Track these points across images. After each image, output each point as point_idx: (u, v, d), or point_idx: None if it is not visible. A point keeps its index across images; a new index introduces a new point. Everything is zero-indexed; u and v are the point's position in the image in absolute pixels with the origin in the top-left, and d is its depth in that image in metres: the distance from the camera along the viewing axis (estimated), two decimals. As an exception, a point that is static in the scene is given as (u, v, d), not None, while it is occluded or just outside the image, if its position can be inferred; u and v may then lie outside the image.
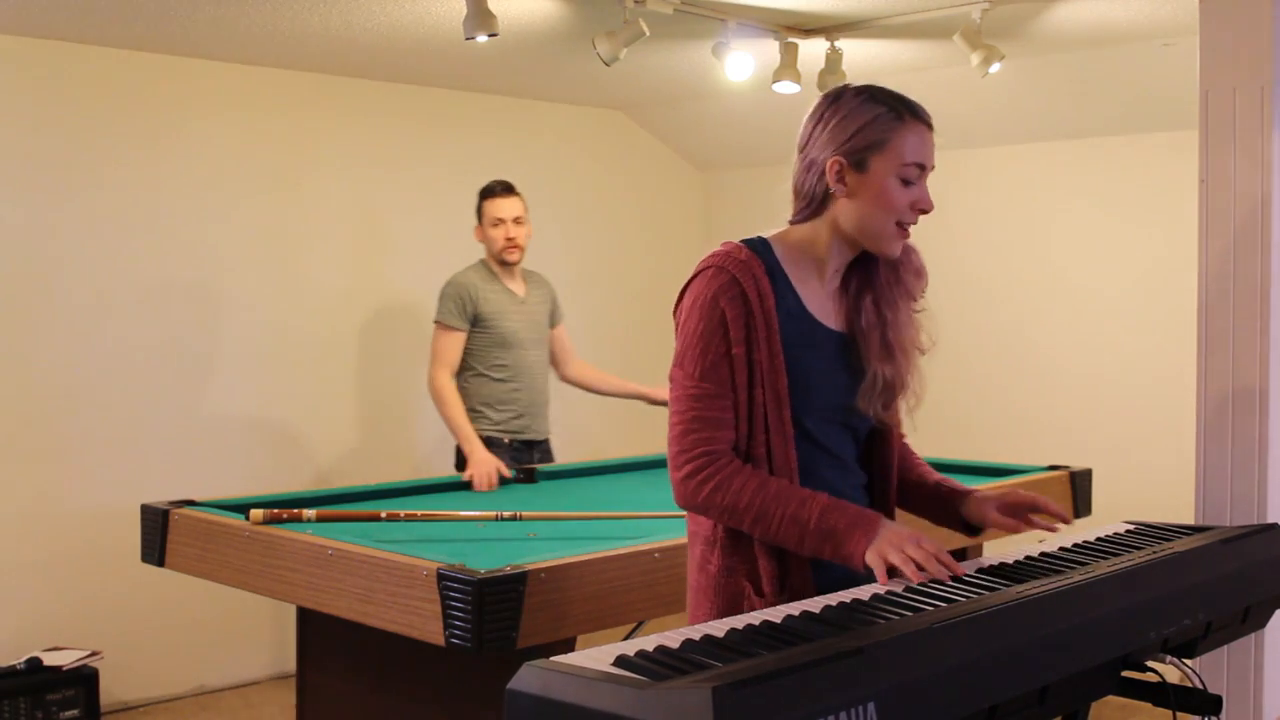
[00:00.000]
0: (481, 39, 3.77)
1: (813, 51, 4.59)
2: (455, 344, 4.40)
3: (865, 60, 4.84)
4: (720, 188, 6.61)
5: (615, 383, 4.70)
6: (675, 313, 2.10)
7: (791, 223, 2.11)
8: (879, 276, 2.12)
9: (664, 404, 4.13)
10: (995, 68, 4.22)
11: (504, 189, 4.47)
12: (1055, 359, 5.38)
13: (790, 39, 4.51)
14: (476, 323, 4.41)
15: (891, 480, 2.19)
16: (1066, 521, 2.17)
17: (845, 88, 2.08)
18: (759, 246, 2.07)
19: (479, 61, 5.02)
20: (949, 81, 5.01)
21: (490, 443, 4.34)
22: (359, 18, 4.27)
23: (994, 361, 5.53)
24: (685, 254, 6.39)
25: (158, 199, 4.86)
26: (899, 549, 1.90)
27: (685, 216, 6.60)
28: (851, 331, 2.10)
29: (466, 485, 4.05)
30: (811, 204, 2.07)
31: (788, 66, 4.52)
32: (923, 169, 2.04)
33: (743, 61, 4.45)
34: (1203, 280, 2.94)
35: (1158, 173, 5.03)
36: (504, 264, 4.45)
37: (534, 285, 4.59)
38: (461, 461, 4.32)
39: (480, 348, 4.42)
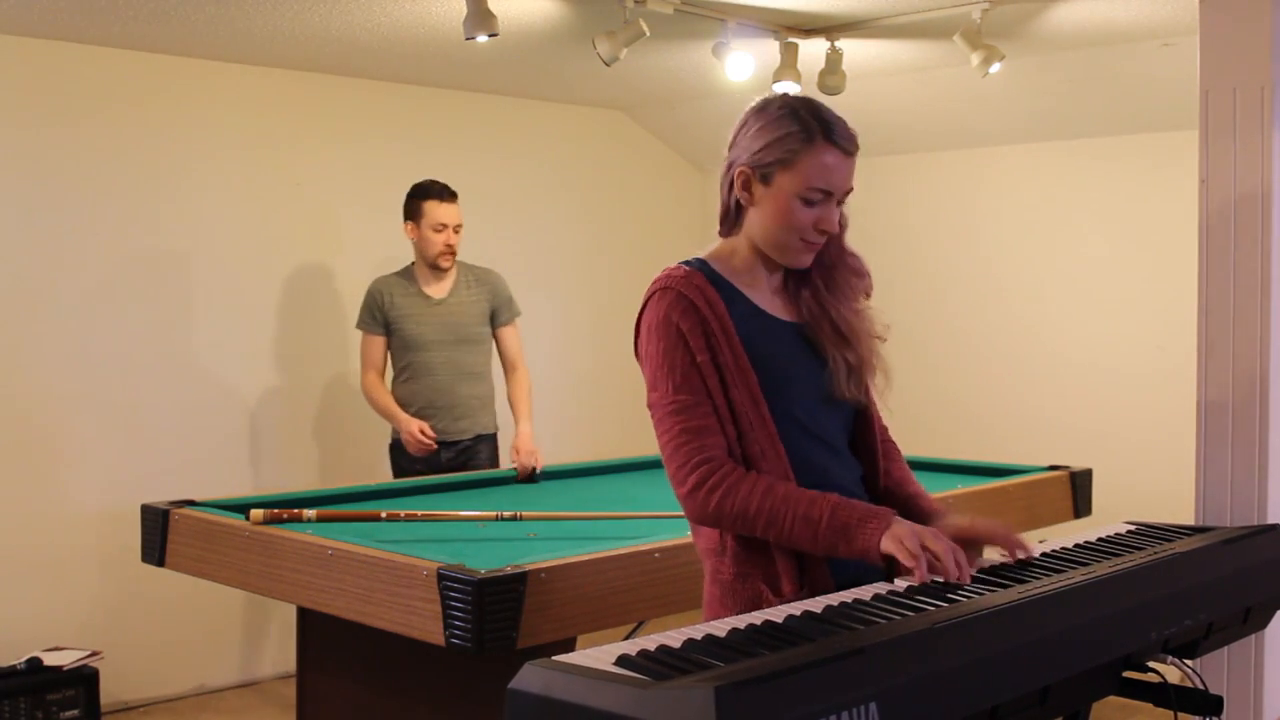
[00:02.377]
0: (481, 39, 3.77)
1: (813, 51, 4.59)
2: (373, 347, 4.50)
3: (865, 60, 4.84)
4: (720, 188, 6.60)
5: (517, 413, 4.53)
6: (636, 346, 2.12)
7: (720, 235, 2.16)
8: (813, 278, 2.15)
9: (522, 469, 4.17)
10: (995, 68, 4.22)
11: (449, 193, 4.44)
12: (1055, 359, 5.37)
13: (790, 39, 4.51)
14: (388, 327, 4.47)
15: (877, 464, 2.19)
16: (1027, 553, 2.07)
17: (774, 97, 2.11)
18: (695, 264, 2.12)
19: (479, 61, 5.02)
20: (949, 81, 5.00)
21: (395, 444, 4.52)
22: (359, 18, 4.27)
23: (993, 361, 5.53)
24: (685, 254, 6.37)
25: (158, 199, 4.85)
26: (917, 541, 1.89)
27: (685, 216, 6.59)
28: (800, 314, 2.14)
29: (466, 485, 4.06)
30: (729, 215, 2.13)
31: (788, 66, 4.52)
32: (827, 195, 2.05)
33: (743, 61, 4.45)
34: (1203, 280, 2.94)
35: (1158, 173, 5.03)
36: (435, 268, 4.44)
37: (469, 285, 4.52)
38: (396, 461, 4.50)
39: (393, 350, 4.51)
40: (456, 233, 4.44)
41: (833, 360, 2.10)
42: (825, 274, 2.14)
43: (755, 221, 2.09)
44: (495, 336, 4.58)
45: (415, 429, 4.33)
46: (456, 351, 4.48)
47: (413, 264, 4.53)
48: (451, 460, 4.46)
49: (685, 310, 2.02)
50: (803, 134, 2.02)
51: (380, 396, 4.47)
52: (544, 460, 4.34)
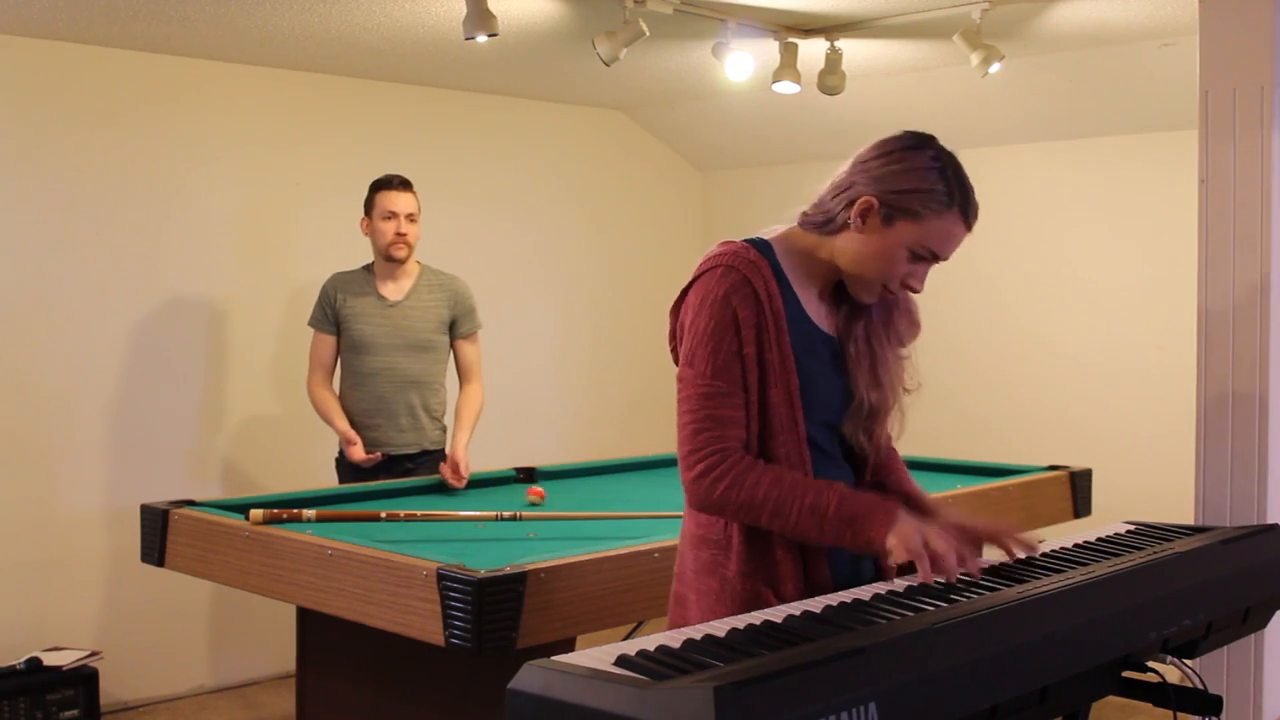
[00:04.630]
0: (481, 39, 3.77)
1: (813, 51, 4.59)
2: (322, 346, 4.29)
3: (865, 60, 4.84)
4: (720, 188, 6.61)
5: (459, 422, 4.27)
6: (677, 313, 2.08)
7: (800, 225, 2.10)
8: (872, 313, 2.12)
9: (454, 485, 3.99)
10: (995, 68, 4.21)
11: (401, 183, 4.26)
12: (1054, 359, 5.38)
13: (790, 39, 4.51)
14: (338, 326, 4.28)
15: (865, 479, 2.19)
16: (1028, 550, 2.09)
17: (933, 142, 2.04)
18: (763, 248, 2.06)
19: (479, 61, 5.02)
20: (949, 81, 5.00)
21: (341, 457, 4.28)
22: (359, 18, 4.27)
23: (993, 361, 5.53)
24: (685, 254, 6.40)
25: (158, 199, 4.85)
26: (920, 539, 1.89)
27: (685, 216, 6.60)
28: (842, 338, 2.11)
29: (466, 485, 4.04)
30: (827, 223, 2.06)
31: (788, 66, 4.52)
32: (935, 258, 2.05)
33: (743, 61, 4.45)
34: (1203, 280, 2.94)
35: (1158, 173, 5.03)
36: (390, 260, 4.23)
37: (429, 289, 4.30)
38: (340, 477, 4.29)
39: (342, 352, 4.30)
40: (411, 221, 4.22)
41: (859, 397, 2.08)
42: (884, 315, 2.13)
43: (851, 247, 2.03)
44: (453, 348, 4.35)
45: (353, 437, 4.15)
46: (405, 358, 4.24)
47: (372, 262, 4.33)
48: (392, 478, 4.16)
49: (746, 297, 1.98)
50: (946, 197, 1.99)
51: (325, 400, 4.25)
52: (546, 466, 4.30)
